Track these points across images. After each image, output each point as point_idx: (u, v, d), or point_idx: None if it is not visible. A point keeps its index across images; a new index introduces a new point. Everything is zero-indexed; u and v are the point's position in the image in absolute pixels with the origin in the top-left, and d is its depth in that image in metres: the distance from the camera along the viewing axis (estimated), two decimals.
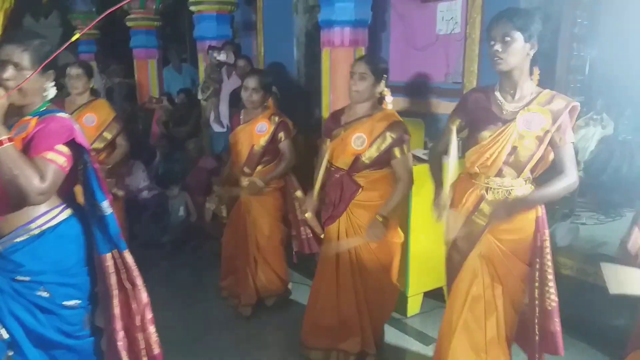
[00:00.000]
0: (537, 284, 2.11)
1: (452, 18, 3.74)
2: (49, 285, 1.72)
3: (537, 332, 2.13)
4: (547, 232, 2.13)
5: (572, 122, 2.02)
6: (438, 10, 3.86)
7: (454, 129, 2.18)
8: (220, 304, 3.53)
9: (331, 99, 3.97)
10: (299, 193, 3.38)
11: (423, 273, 3.19)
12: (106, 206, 1.74)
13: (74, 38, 1.57)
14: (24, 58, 1.64)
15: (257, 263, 3.40)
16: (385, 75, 2.60)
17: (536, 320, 2.12)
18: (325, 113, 4.03)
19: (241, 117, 3.34)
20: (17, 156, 1.54)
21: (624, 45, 4.06)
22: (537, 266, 2.10)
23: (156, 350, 1.88)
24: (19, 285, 1.68)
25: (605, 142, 4.33)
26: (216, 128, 5.15)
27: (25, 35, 1.69)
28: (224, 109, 4.98)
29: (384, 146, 2.54)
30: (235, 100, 4.35)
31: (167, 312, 3.47)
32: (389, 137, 2.53)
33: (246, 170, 3.27)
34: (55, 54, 1.69)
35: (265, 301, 3.47)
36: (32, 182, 1.55)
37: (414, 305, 3.30)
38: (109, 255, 1.77)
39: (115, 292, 1.81)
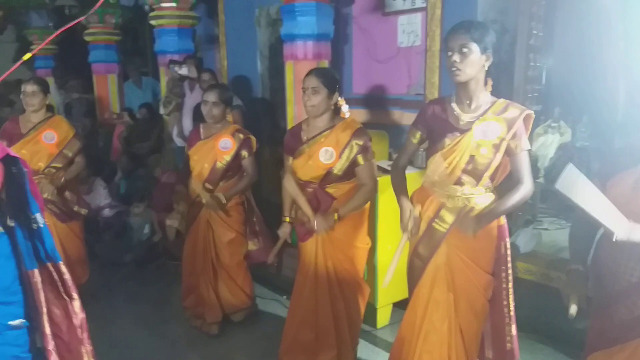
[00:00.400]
0: (498, 291, 2.16)
1: (412, 31, 3.80)
2: None
3: (495, 335, 2.22)
4: (508, 240, 2.17)
5: (527, 130, 2.08)
6: (399, 24, 3.92)
7: (415, 141, 2.22)
8: (186, 324, 3.44)
9: (296, 111, 3.97)
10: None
11: (391, 284, 3.12)
12: (40, 218, 1.69)
13: (25, 57, 1.50)
14: None
15: (219, 279, 3.33)
16: (337, 86, 2.60)
17: (495, 325, 2.17)
18: (291, 125, 4.01)
19: (201, 131, 3.28)
20: None
21: (579, 55, 4.21)
22: (500, 274, 2.14)
23: None
24: None
25: (563, 149, 4.46)
26: (179, 143, 5.05)
27: None
28: (187, 123, 4.90)
29: (352, 155, 2.55)
30: (199, 115, 4.29)
31: (131, 332, 3.37)
32: (356, 145, 2.54)
33: (208, 186, 3.21)
34: (4, 75, 1.62)
35: (232, 317, 3.40)
36: None
37: (383, 316, 3.30)
38: (37, 271, 1.72)
39: (44, 309, 1.74)
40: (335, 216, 2.55)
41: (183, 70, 4.79)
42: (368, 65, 4.18)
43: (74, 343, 1.80)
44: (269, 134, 4.90)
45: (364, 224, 2.74)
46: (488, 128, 2.03)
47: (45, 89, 3.35)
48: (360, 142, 2.54)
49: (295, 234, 2.78)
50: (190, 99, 4.88)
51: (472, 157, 2.06)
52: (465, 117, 2.08)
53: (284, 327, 2.84)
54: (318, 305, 2.70)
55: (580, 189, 1.46)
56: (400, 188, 2.28)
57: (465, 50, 1.96)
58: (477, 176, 2.08)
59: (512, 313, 2.21)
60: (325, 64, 3.89)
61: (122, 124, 5.94)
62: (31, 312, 1.77)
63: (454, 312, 2.18)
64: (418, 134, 2.22)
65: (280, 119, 5.05)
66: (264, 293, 3.76)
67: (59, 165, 3.32)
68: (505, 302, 2.18)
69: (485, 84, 2.09)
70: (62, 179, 3.33)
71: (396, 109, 3.91)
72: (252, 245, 3.37)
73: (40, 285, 1.72)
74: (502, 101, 2.09)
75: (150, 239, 4.55)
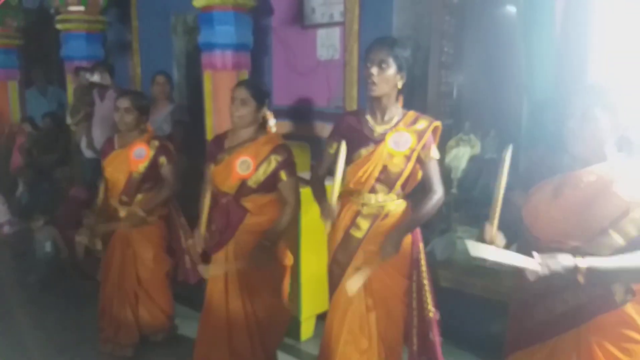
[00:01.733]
0: (415, 295, 2.25)
1: (331, 45, 3.85)
2: None
3: (415, 341, 2.27)
4: (421, 245, 2.26)
5: (436, 140, 2.22)
6: (318, 37, 3.96)
7: (332, 152, 2.28)
8: (97, 349, 3.19)
9: (214, 121, 3.88)
10: (182, 220, 3.25)
11: (315, 295, 3.18)
12: None
13: None
14: None
15: (138, 299, 3.15)
16: (267, 100, 2.59)
17: (415, 330, 2.24)
18: (209, 136, 3.92)
19: (115, 141, 3.11)
20: None
21: (486, 72, 4.47)
22: (414, 278, 2.23)
23: None
24: None
25: (474, 161, 4.71)
26: (88, 154, 4.75)
27: None
28: (97, 133, 4.62)
29: (269, 170, 2.52)
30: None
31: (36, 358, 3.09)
32: (274, 161, 2.52)
33: (124, 199, 3.03)
34: None
35: (150, 337, 3.23)
36: None
37: (307, 329, 3.27)
38: None
39: None
40: (267, 243, 2.50)
41: (94, 77, 4.53)
42: (288, 77, 4.18)
43: None
44: (188, 143, 4.74)
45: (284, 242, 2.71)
46: (400, 139, 2.14)
47: None
48: (280, 158, 2.52)
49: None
50: (101, 108, 4.62)
51: (385, 166, 2.16)
52: (378, 129, 2.19)
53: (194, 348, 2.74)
54: (230, 321, 2.61)
55: (489, 251, 1.65)
56: (319, 194, 2.34)
57: (384, 65, 2.06)
58: (389, 184, 2.19)
59: (428, 317, 2.26)
60: (245, 74, 3.84)
61: (23, 135, 5.48)
62: None
63: (373, 318, 2.22)
64: (335, 145, 2.27)
65: (199, 129, 4.92)
66: (183, 311, 3.59)
67: None
68: (415, 304, 2.24)
69: (397, 99, 2.21)
70: None
71: (317, 121, 3.94)
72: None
73: None
74: (412, 113, 2.22)
75: (55, 257, 4.21)
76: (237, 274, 2.57)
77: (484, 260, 1.63)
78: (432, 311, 2.26)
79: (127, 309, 3.12)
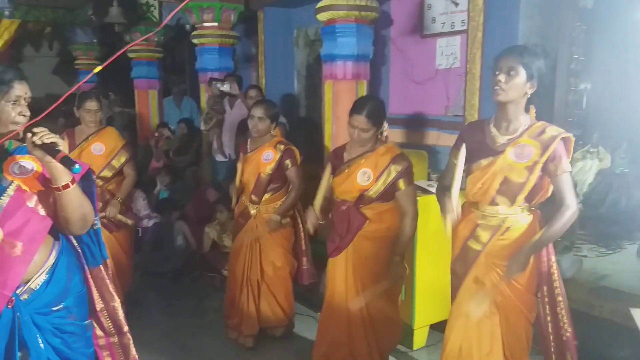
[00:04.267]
0: (548, 312, 2.14)
1: (451, 53, 3.84)
2: (73, 308, 1.75)
3: None
4: (553, 257, 2.15)
5: (568, 153, 2.08)
6: (437, 46, 3.97)
7: (456, 161, 2.25)
8: (221, 337, 3.47)
9: (334, 129, 4.03)
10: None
11: (429, 305, 3.18)
12: (97, 220, 1.81)
13: (96, 70, 1.61)
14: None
15: (261, 293, 3.36)
16: (384, 120, 2.65)
17: (552, 351, 2.13)
18: (328, 143, 4.08)
19: (248, 145, 3.38)
20: (81, 194, 1.61)
21: (620, 80, 4.17)
22: (546, 293, 2.12)
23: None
24: (53, 317, 1.69)
25: (602, 175, 4.40)
26: (218, 158, 5.19)
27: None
28: (227, 139, 5.02)
29: (389, 179, 2.58)
30: (244, 130, 4.39)
31: (164, 343, 3.42)
32: (394, 171, 2.58)
33: (254, 198, 3.28)
34: (75, 87, 1.73)
35: (268, 332, 3.43)
36: (92, 212, 1.67)
37: (419, 338, 3.27)
38: (102, 267, 1.85)
39: (118, 301, 1.87)
40: (397, 258, 2.58)
41: (225, 87, 4.92)
42: (405, 85, 4.23)
43: (120, 337, 1.90)
44: (305, 151, 4.97)
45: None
46: (522, 150, 2.06)
47: (102, 105, 3.49)
48: (399, 168, 2.58)
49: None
50: (230, 116, 5.01)
51: (505, 178, 2.09)
52: (501, 139, 2.12)
53: (313, 347, 2.86)
54: (350, 324, 2.70)
55: None
56: (444, 207, 2.30)
57: (512, 72, 2.01)
58: (511, 197, 2.11)
59: (565, 337, 2.14)
60: (364, 84, 3.96)
61: (160, 138, 6.11)
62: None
63: (495, 332, 2.16)
64: (459, 154, 2.25)
65: (316, 137, 5.13)
66: (300, 309, 3.78)
67: (108, 174, 3.43)
68: (548, 322, 2.15)
69: (527, 110, 2.12)
70: (118, 198, 3.45)
71: (434, 130, 3.94)
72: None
73: (107, 280, 1.84)
74: (539, 124, 2.11)
75: (186, 250, 4.65)
76: (355, 276, 2.66)
77: None
78: (569, 331, 2.14)
79: (250, 301, 3.34)
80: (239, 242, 3.37)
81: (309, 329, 3.56)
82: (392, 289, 2.71)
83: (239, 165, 3.37)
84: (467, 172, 2.20)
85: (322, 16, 3.86)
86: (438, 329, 3.32)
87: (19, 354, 1.63)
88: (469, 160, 2.19)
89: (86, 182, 1.75)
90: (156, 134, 6.14)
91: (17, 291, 1.63)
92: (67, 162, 1.49)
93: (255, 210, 3.27)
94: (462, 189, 2.30)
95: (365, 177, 2.59)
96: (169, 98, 7.09)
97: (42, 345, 1.66)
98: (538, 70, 2.03)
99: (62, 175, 1.55)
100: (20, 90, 1.62)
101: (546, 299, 2.14)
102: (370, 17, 3.87)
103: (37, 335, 1.65)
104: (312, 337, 3.42)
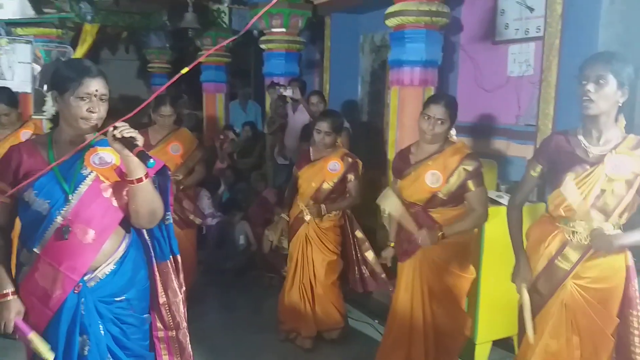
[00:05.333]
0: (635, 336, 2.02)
1: (525, 60, 3.72)
2: (133, 301, 1.81)
3: None
4: (636, 282, 2.03)
5: None
6: (510, 53, 3.85)
7: (535, 175, 2.15)
8: (276, 336, 3.50)
9: (397, 136, 3.99)
10: (358, 233, 3.46)
11: (493, 320, 3.08)
12: (169, 215, 1.86)
13: (183, 71, 1.68)
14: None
15: (315, 296, 3.40)
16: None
17: None
18: (392, 150, 4.05)
19: (311, 153, 3.41)
20: (153, 189, 1.67)
21: None
22: (633, 319, 2.00)
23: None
24: (115, 307, 1.76)
25: None
26: (280, 161, 5.27)
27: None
28: (289, 142, 5.10)
29: (459, 181, 2.52)
30: (307, 134, 4.44)
31: (224, 338, 3.49)
32: (464, 171, 2.52)
33: (311, 204, 3.32)
34: (162, 88, 1.82)
35: (325, 335, 3.44)
36: (162, 207, 1.71)
37: (481, 353, 3.16)
38: (169, 262, 1.87)
39: (180, 297, 1.90)
40: (440, 234, 2.51)
41: (287, 92, 5.00)
42: (474, 93, 4.13)
43: (178, 332, 1.93)
44: (367, 157, 4.96)
45: (467, 252, 2.69)
46: (621, 163, 1.93)
47: (175, 110, 3.65)
48: (469, 168, 2.51)
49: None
50: (293, 120, 5.08)
51: (602, 191, 1.97)
52: (594, 150, 2.00)
53: (378, 348, 2.85)
54: (411, 329, 2.67)
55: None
56: (515, 229, 2.20)
57: (601, 81, 1.89)
58: (606, 212, 1.98)
59: None
60: (431, 90, 3.90)
61: (226, 141, 6.28)
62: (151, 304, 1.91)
63: (578, 355, 2.05)
64: (539, 168, 2.14)
65: (378, 143, 5.11)
66: (355, 315, 3.77)
67: (181, 175, 3.59)
68: (635, 349, 2.02)
69: (617, 119, 2.00)
70: (181, 187, 3.59)
71: (503, 139, 3.82)
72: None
73: (172, 275, 1.87)
74: (633, 137, 1.99)
75: (247, 249, 4.75)
76: (422, 281, 2.63)
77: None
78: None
79: (306, 304, 3.38)
80: (293, 246, 3.44)
81: (365, 335, 3.55)
82: (456, 295, 2.65)
83: (296, 171, 3.43)
84: (554, 184, 2.07)
85: (391, 22, 3.85)
86: (501, 345, 3.21)
87: (79, 338, 1.71)
88: (555, 173, 2.07)
89: (162, 177, 1.83)
90: (221, 136, 6.31)
91: (85, 278, 1.70)
92: (143, 157, 1.56)
93: (309, 216, 3.31)
94: (532, 201, 2.21)
95: (434, 178, 2.54)
96: (235, 101, 7.29)
97: (102, 332, 1.73)
98: (628, 78, 1.91)
99: (137, 169, 1.62)
100: (90, 87, 1.65)
101: (630, 324, 2.02)
102: (441, 23, 3.81)
103: (99, 322, 1.72)
104: (368, 342, 3.43)
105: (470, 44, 4.18)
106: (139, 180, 1.63)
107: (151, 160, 1.56)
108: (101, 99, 1.68)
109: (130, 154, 1.58)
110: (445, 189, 2.53)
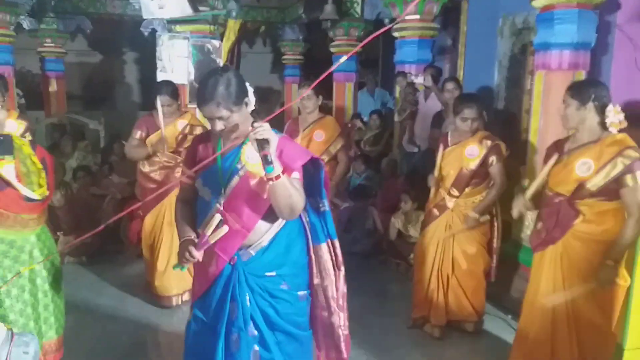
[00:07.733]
0: None
1: None
2: (287, 277, 1.94)
3: None
4: None
5: None
6: None
7: None
8: (405, 322, 3.50)
9: (541, 123, 3.76)
10: (498, 222, 3.36)
11: None
12: (326, 203, 1.97)
13: (342, 59, 1.77)
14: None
15: (450, 285, 3.33)
16: (592, 96, 2.43)
17: None
18: (534, 138, 3.83)
19: (449, 138, 3.35)
20: (290, 184, 1.75)
21: None
22: None
23: (346, 331, 2.06)
24: (265, 281, 1.91)
25: None
26: (409, 148, 5.25)
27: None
28: (419, 130, 5.06)
29: (613, 173, 2.33)
30: (439, 121, 4.37)
31: (353, 321, 3.55)
32: (620, 164, 2.32)
33: (453, 191, 3.25)
34: (319, 79, 1.92)
35: (460, 326, 3.38)
36: (302, 202, 1.79)
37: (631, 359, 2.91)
38: (325, 245, 1.99)
39: (332, 277, 2.00)
40: (612, 263, 2.35)
41: (418, 79, 4.95)
42: (632, 77, 3.74)
43: (335, 309, 2.03)
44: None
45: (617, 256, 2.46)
46: None
47: (317, 93, 3.81)
48: (627, 162, 2.31)
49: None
50: (425, 107, 5.02)
51: None
52: None
53: (513, 343, 2.76)
54: (554, 324, 2.52)
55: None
56: None
57: None
58: None
59: None
60: (582, 74, 3.61)
61: (354, 129, 6.39)
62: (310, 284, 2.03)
63: None
64: None
65: (514, 132, 4.84)
66: (489, 309, 3.64)
67: (325, 159, 3.77)
68: None
69: None
70: (332, 182, 3.78)
71: None
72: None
73: (324, 259, 1.99)
74: None
75: (374, 234, 4.81)
76: (564, 278, 2.48)
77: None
78: None
79: (439, 292, 3.33)
80: (431, 233, 3.36)
81: (498, 330, 3.44)
82: (602, 296, 2.45)
83: (439, 158, 3.36)
84: None
85: (538, 2, 3.61)
86: None
87: (230, 304, 1.90)
88: None
89: (315, 169, 1.94)
90: (349, 125, 6.43)
91: (239, 252, 1.89)
92: (265, 161, 1.66)
93: (452, 203, 3.24)
94: None
95: (584, 167, 2.39)
96: (364, 90, 7.38)
97: (249, 303, 1.89)
98: None
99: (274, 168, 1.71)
100: (205, 112, 1.80)
101: None
102: (595, 2, 3.50)
103: (247, 293, 1.89)
104: (501, 337, 3.32)
105: (629, 24, 3.77)
106: (276, 177, 1.71)
107: (271, 166, 1.66)
108: (219, 119, 1.80)
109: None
110: (595, 179, 2.36)
